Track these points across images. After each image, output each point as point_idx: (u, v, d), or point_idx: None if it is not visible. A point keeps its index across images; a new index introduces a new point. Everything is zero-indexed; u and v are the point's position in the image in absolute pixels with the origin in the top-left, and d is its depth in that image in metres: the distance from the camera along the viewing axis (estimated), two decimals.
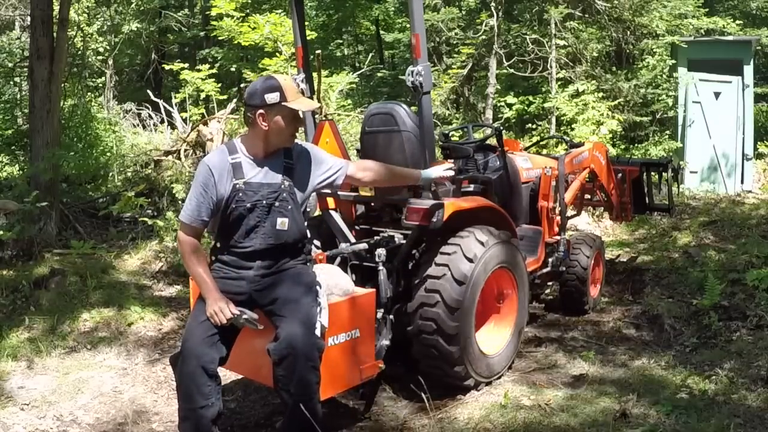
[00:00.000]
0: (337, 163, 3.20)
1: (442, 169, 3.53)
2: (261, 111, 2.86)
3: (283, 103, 2.85)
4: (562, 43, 10.73)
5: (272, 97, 2.84)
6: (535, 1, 11.87)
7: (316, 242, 3.68)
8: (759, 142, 11.37)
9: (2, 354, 4.15)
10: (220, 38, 11.33)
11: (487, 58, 11.33)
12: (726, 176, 10.72)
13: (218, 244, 3.01)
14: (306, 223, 3.10)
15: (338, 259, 3.71)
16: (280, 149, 3.00)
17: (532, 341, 4.60)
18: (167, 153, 8.30)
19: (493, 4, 11.02)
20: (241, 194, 2.87)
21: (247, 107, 2.92)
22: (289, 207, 2.94)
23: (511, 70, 11.38)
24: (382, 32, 17.47)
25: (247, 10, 11.00)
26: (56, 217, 6.28)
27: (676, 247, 6.94)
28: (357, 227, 4.23)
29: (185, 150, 8.02)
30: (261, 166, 2.94)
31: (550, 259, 4.80)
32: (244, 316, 2.82)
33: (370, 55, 14.19)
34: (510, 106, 11.43)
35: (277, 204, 2.90)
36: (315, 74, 4.34)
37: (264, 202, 2.89)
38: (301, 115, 3.32)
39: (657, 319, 4.86)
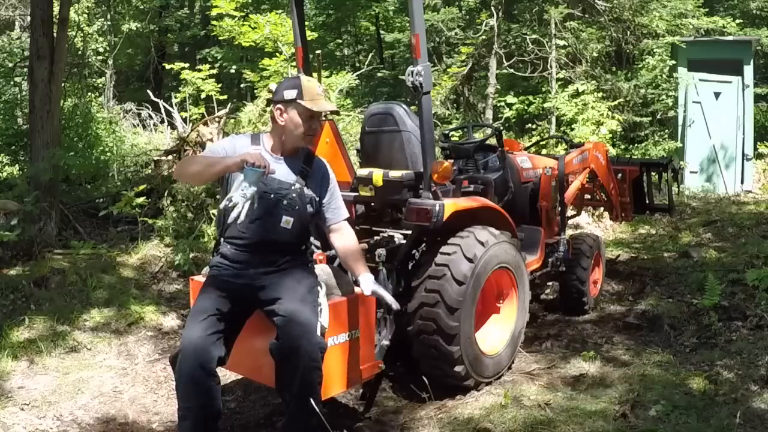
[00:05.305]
0: (340, 210, 3.17)
1: (382, 292, 3.13)
2: (279, 106, 2.97)
3: (298, 101, 2.92)
4: (562, 43, 10.73)
5: (290, 94, 2.94)
6: (535, 1, 11.87)
7: (317, 242, 3.68)
8: (759, 142, 11.37)
9: (2, 354, 4.15)
10: (220, 38, 11.33)
11: (487, 58, 11.34)
12: (726, 176, 10.72)
13: (221, 239, 3.01)
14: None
15: (338, 260, 3.71)
16: (300, 151, 3.05)
17: (532, 341, 4.60)
18: (167, 153, 8.29)
19: (493, 4, 11.02)
20: None
21: (272, 103, 3.03)
22: (297, 207, 2.95)
23: (511, 70, 11.38)
24: (382, 32, 17.48)
25: (247, 10, 11.00)
26: (56, 217, 6.27)
27: (676, 247, 6.94)
28: (357, 227, 4.21)
29: (185, 150, 8.01)
30: (278, 162, 2.98)
31: (550, 259, 4.80)
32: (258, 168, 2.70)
33: (370, 55, 14.18)
34: (510, 106, 11.44)
35: (285, 202, 2.91)
36: (315, 74, 4.34)
37: (272, 196, 2.90)
38: (322, 120, 3.32)
39: (657, 319, 4.85)
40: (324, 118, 4.31)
